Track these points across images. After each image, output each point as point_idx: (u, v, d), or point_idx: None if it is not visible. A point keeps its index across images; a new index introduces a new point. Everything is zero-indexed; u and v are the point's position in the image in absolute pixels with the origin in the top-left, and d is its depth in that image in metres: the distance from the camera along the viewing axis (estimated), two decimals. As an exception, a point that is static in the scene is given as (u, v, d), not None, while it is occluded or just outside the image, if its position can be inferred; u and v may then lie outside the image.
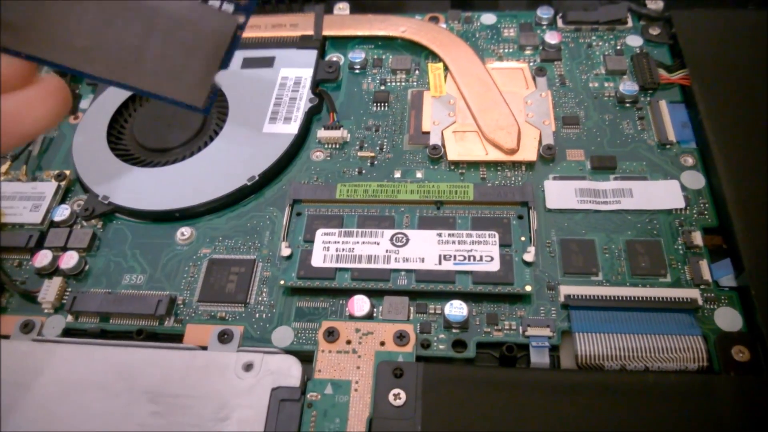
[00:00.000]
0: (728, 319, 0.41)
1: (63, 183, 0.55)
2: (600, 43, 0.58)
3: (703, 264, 0.43)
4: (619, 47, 0.57)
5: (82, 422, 0.41)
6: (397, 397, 0.39)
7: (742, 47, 0.53)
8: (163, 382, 0.42)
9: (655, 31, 0.57)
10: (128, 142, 0.57)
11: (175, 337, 0.46)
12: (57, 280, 0.49)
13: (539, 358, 0.41)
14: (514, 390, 0.39)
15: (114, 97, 0.59)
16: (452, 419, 0.38)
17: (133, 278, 0.49)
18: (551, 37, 0.57)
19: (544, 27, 0.59)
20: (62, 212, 0.53)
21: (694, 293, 0.42)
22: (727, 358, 0.40)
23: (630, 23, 0.58)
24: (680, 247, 0.45)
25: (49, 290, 0.48)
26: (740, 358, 0.40)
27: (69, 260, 0.49)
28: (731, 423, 0.36)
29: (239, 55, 0.60)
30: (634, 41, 0.57)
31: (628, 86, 0.52)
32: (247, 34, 0.61)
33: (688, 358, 0.40)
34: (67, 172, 0.56)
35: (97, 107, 0.59)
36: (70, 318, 0.47)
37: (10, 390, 0.43)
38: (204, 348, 0.44)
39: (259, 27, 0.62)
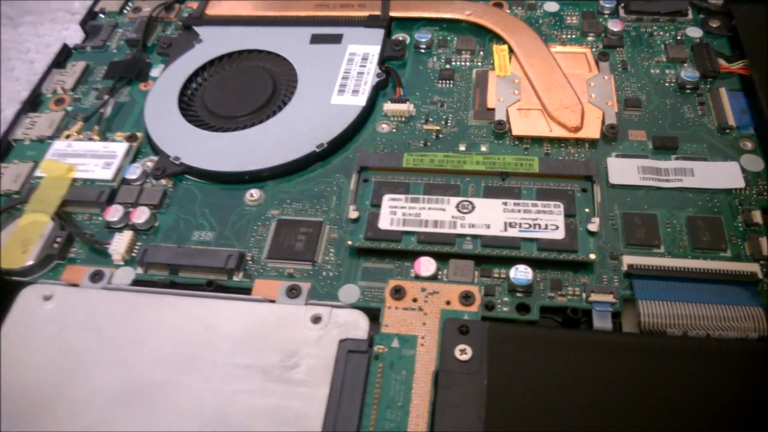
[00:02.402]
0: (788, 294, 0.43)
1: (134, 144, 0.57)
2: (661, 33, 0.59)
3: (763, 241, 0.45)
4: (679, 37, 0.59)
5: (156, 364, 0.43)
6: (464, 352, 0.40)
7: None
8: (234, 330, 0.44)
9: (714, 23, 0.59)
10: (199, 109, 0.59)
11: (243, 291, 0.47)
12: (127, 234, 0.51)
13: (602, 322, 0.43)
14: (577, 350, 0.40)
15: (185, 66, 0.62)
16: (517, 375, 0.39)
17: (203, 235, 0.50)
18: (614, 25, 0.59)
19: (606, 16, 0.61)
20: (134, 171, 0.55)
21: (754, 267, 0.43)
22: (787, 330, 0.41)
23: (690, 15, 0.60)
24: (740, 224, 0.46)
25: (120, 242, 0.50)
26: (800, 330, 0.41)
27: (140, 215, 0.51)
28: (793, 389, 0.38)
29: (308, 31, 0.63)
30: (694, 32, 0.59)
31: (689, 73, 0.54)
32: (315, 12, 0.65)
33: (749, 328, 0.41)
34: (139, 134, 0.58)
35: (168, 75, 0.62)
36: (139, 270, 0.49)
37: (82, 335, 0.45)
38: (272, 301, 0.46)
39: (327, 6, 0.64)
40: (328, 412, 0.40)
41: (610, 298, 0.43)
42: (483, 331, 0.41)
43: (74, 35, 0.73)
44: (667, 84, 0.55)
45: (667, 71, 0.56)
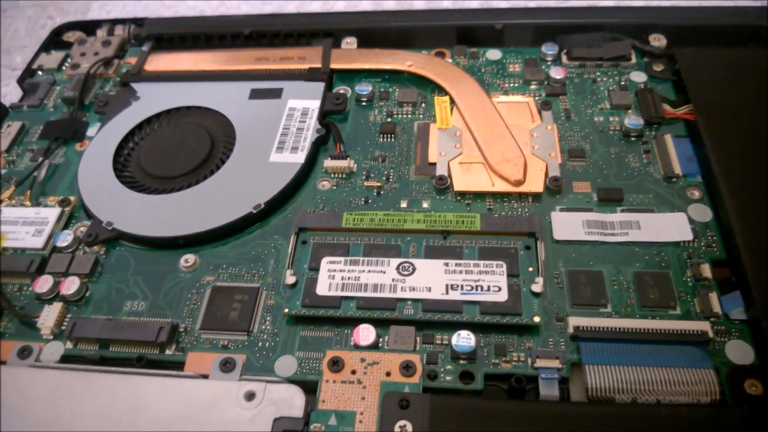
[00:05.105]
0: (740, 352, 0.41)
1: (67, 209, 0.55)
2: (604, 79, 0.58)
3: (713, 296, 0.43)
4: (623, 83, 0.58)
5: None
6: (404, 429, 0.38)
7: (743, 84, 0.54)
8: (163, 411, 0.41)
9: (658, 67, 0.58)
10: (134, 170, 0.57)
11: (176, 365, 0.45)
12: (57, 306, 0.48)
13: (548, 390, 0.40)
14: (523, 422, 0.38)
15: (121, 125, 0.60)
16: (460, 452, 0.37)
17: (135, 305, 0.48)
18: (556, 72, 0.58)
19: (549, 63, 0.60)
20: (65, 238, 0.52)
21: (704, 326, 0.41)
22: (739, 392, 0.39)
23: (634, 60, 0.59)
24: (689, 279, 0.44)
25: (49, 316, 0.48)
26: (753, 391, 0.39)
27: (70, 286, 0.49)
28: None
29: (247, 86, 0.61)
30: (638, 77, 0.58)
31: (633, 120, 0.53)
32: (255, 66, 0.63)
33: (700, 392, 0.39)
34: (72, 198, 0.55)
35: (103, 135, 0.59)
36: (69, 344, 0.46)
37: (7, 417, 0.42)
38: (205, 376, 0.44)
39: (267, 60, 0.63)
40: (261, 499, 0.37)
41: (556, 363, 0.41)
42: (424, 404, 0.39)
43: (13, 92, 0.71)
44: (611, 132, 0.54)
45: (611, 118, 0.55)
